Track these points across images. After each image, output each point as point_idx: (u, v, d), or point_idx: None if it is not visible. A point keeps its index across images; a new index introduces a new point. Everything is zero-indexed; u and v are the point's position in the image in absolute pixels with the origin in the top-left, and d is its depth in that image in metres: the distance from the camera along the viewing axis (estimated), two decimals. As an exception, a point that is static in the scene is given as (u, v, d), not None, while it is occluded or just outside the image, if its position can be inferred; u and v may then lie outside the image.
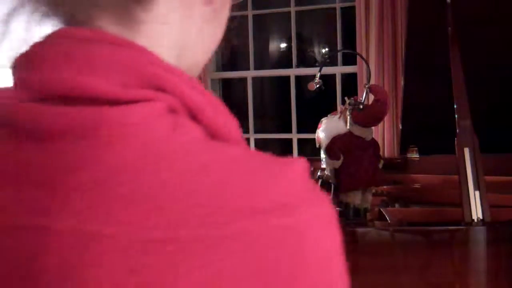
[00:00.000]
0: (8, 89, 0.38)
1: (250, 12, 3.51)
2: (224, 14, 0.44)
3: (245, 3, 3.48)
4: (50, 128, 0.34)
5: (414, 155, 3.39)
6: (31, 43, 0.38)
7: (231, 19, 0.45)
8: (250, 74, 3.49)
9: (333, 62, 3.95)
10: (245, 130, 3.54)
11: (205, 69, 3.34)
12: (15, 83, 0.37)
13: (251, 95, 3.49)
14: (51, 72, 0.35)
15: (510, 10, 2.71)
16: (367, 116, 2.47)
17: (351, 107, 2.46)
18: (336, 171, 2.45)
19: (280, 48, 3.90)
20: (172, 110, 0.35)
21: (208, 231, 0.31)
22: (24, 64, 0.37)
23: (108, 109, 0.33)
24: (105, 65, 0.35)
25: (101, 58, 0.35)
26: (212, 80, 3.54)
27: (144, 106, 0.34)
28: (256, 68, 3.51)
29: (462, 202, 1.91)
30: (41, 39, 0.38)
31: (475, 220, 1.87)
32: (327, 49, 4.56)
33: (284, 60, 3.75)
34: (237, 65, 3.69)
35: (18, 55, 0.38)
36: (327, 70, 3.47)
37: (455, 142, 2.09)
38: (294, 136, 3.56)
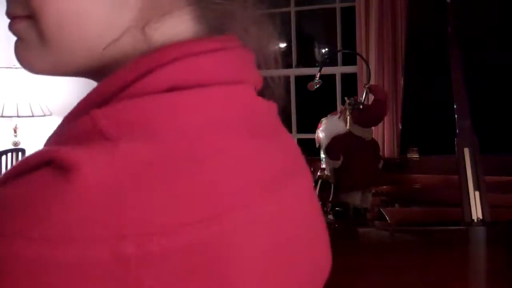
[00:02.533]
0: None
1: (250, 12, 3.50)
2: None
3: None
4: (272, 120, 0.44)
5: (414, 155, 3.39)
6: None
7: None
8: (250, 74, 3.49)
9: (333, 62, 3.95)
10: (245, 130, 3.55)
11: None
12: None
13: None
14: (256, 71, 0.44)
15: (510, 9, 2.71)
16: (367, 116, 2.47)
17: (351, 107, 2.46)
18: (336, 171, 2.45)
19: (280, 48, 3.91)
20: None
21: None
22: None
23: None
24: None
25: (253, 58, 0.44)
26: (212, 80, 3.53)
27: None
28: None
29: (462, 202, 1.91)
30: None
31: (475, 220, 1.87)
32: (327, 49, 4.56)
33: (284, 60, 3.76)
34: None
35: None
36: (327, 70, 3.47)
37: (455, 142, 2.09)
38: (294, 136, 3.56)
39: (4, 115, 3.45)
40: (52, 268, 0.28)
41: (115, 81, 0.36)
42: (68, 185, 0.29)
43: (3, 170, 3.38)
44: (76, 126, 0.34)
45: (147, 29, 0.38)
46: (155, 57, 0.36)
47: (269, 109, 0.44)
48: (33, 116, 3.48)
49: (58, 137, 0.37)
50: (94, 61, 0.39)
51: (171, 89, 0.35)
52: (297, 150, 0.46)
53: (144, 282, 0.29)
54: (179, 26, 0.39)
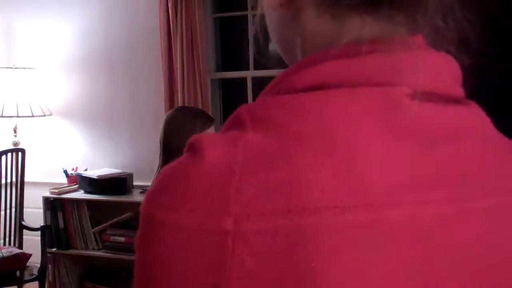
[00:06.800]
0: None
1: (250, 12, 3.51)
2: None
3: (245, 3, 3.48)
4: (445, 127, 0.40)
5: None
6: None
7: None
8: (250, 74, 3.49)
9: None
10: (245, 130, 3.55)
11: (205, 69, 3.34)
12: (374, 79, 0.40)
13: (251, 95, 3.49)
14: (428, 75, 0.40)
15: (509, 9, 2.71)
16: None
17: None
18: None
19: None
20: None
21: None
22: (396, 67, 0.40)
23: (461, 108, 0.42)
24: (446, 69, 0.42)
25: (442, 64, 0.42)
26: (212, 80, 3.54)
27: (474, 105, 0.43)
28: (256, 68, 3.51)
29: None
30: (400, 46, 0.41)
31: None
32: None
33: (283, 60, 3.76)
34: (237, 65, 3.70)
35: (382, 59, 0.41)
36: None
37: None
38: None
39: (4, 115, 3.45)
40: (171, 229, 0.36)
41: (273, 80, 0.43)
42: (192, 165, 0.37)
43: (3, 170, 3.38)
44: (231, 117, 0.41)
45: (301, 36, 0.44)
46: (305, 59, 0.42)
47: (449, 114, 0.41)
48: (33, 116, 3.48)
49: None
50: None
51: (313, 88, 0.39)
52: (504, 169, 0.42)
53: (238, 256, 0.35)
54: (342, 28, 0.42)
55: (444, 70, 0.42)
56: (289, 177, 0.35)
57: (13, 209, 3.47)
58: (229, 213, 0.35)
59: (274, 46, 0.52)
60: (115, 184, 3.32)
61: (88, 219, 3.39)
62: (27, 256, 3.19)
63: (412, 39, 0.42)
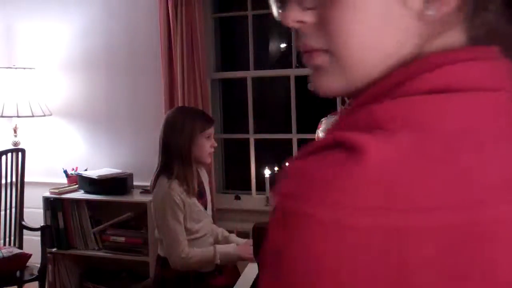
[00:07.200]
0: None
1: (250, 12, 3.51)
2: None
3: (245, 3, 3.48)
4: None
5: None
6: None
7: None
8: (250, 74, 3.49)
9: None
10: (245, 130, 3.55)
11: (205, 69, 3.34)
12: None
13: (251, 95, 3.49)
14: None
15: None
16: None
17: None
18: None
19: (280, 48, 3.90)
20: None
21: None
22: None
23: None
24: None
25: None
26: (212, 80, 3.53)
27: None
28: (256, 68, 3.51)
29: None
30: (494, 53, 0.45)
31: None
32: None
33: (284, 60, 3.76)
34: (237, 65, 3.70)
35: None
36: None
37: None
38: (294, 136, 3.56)
39: (4, 115, 3.45)
40: (337, 229, 0.35)
41: (388, 83, 0.43)
42: (357, 163, 0.37)
43: (3, 170, 3.38)
44: (356, 118, 0.42)
45: (423, 45, 0.45)
46: (421, 64, 0.43)
47: None
48: (33, 116, 3.48)
49: (338, 125, 0.44)
50: (376, 74, 0.46)
51: (430, 92, 0.41)
52: None
53: (424, 253, 0.35)
54: (449, 38, 0.46)
55: None
56: (458, 174, 0.37)
57: (13, 209, 3.47)
58: (415, 209, 0.35)
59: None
60: (115, 184, 3.32)
61: (88, 219, 3.40)
62: (27, 256, 3.19)
63: (493, 47, 0.45)
